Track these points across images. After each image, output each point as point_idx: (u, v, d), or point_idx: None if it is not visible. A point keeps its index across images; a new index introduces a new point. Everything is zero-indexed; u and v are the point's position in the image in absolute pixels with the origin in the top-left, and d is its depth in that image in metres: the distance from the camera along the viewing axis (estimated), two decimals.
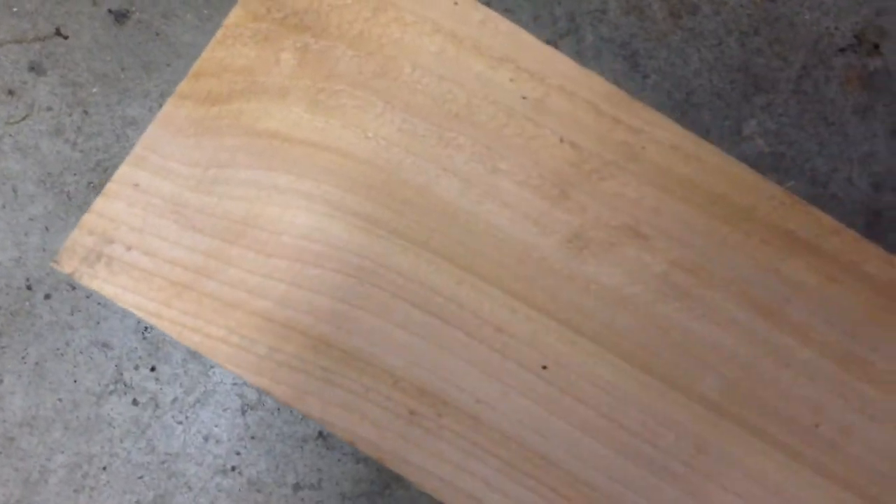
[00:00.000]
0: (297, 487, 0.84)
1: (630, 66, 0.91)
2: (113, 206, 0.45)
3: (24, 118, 1.01)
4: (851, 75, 0.83)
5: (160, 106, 0.96)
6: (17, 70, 1.03)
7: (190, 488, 0.88)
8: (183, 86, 0.46)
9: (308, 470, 0.84)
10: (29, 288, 0.95)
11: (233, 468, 0.86)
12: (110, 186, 0.45)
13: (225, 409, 0.89)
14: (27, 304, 0.94)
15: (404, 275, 0.44)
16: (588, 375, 0.44)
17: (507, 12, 0.94)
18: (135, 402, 0.89)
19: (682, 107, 0.88)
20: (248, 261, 0.44)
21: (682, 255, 0.44)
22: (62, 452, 0.86)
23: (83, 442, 0.86)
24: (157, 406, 0.88)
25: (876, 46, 0.85)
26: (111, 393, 0.89)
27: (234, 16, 0.46)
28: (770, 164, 0.82)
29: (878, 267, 0.44)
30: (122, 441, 0.87)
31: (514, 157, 0.45)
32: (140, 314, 0.44)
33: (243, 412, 0.88)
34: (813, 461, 0.43)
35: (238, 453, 0.86)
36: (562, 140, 0.45)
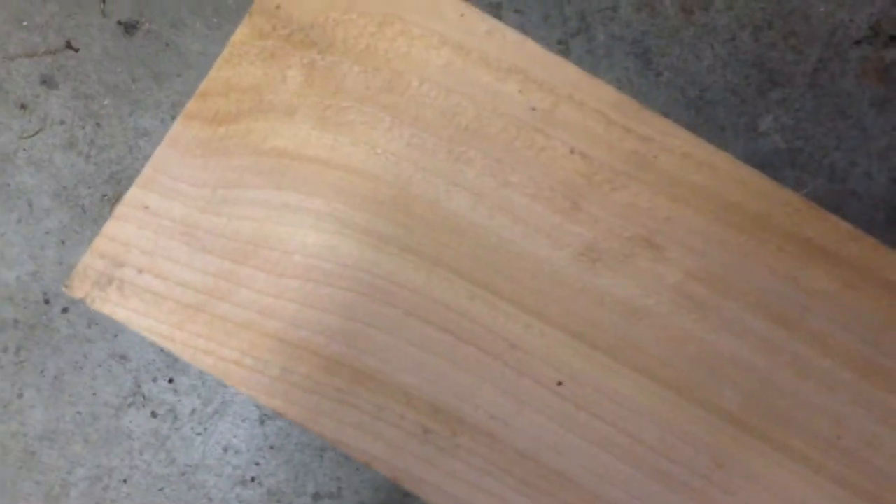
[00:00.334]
0: (316, 497, 0.84)
1: (643, 64, 0.90)
2: (123, 229, 0.45)
3: (37, 132, 1.02)
4: (868, 68, 0.81)
5: (172, 117, 0.96)
6: (29, 84, 1.04)
7: (210, 499, 0.88)
8: (190, 106, 0.46)
9: (327, 479, 0.84)
10: (46, 302, 0.95)
11: (252, 479, 0.86)
12: (120, 209, 0.45)
13: (243, 420, 0.89)
14: (45, 317, 0.95)
15: (416, 291, 0.44)
16: (604, 390, 0.43)
17: (518, 13, 0.93)
18: (154, 414, 0.89)
19: (697, 104, 0.87)
20: (259, 281, 0.44)
21: (696, 266, 0.44)
22: (83, 465, 0.87)
23: (103, 455, 0.87)
24: (175, 418, 0.89)
25: (892, 38, 0.84)
26: (130, 405, 0.89)
27: (240, 34, 0.46)
28: (787, 160, 0.81)
29: None
30: (141, 453, 0.88)
31: (524, 169, 0.45)
32: (153, 337, 0.44)
33: (262, 422, 0.88)
34: (836, 474, 0.42)
35: (257, 464, 0.86)
36: (572, 151, 0.44)
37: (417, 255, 0.44)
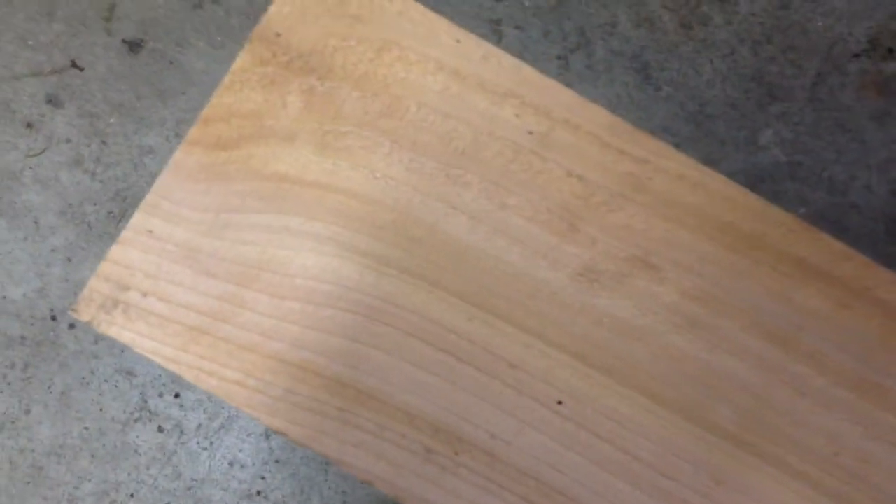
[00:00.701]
0: None
1: (642, 79, 0.90)
2: (128, 253, 0.46)
3: (43, 150, 1.03)
4: (867, 81, 0.82)
5: (176, 134, 0.97)
6: (35, 103, 1.05)
7: None
8: (193, 132, 0.46)
9: (332, 493, 0.84)
10: (53, 318, 0.96)
11: (258, 493, 0.87)
12: (125, 234, 0.46)
13: (249, 434, 0.90)
14: (52, 334, 0.96)
15: (416, 313, 0.45)
16: (603, 409, 0.44)
17: (518, 29, 0.94)
18: (160, 429, 0.90)
19: (696, 118, 0.88)
20: (261, 304, 0.45)
21: (692, 285, 0.44)
22: (90, 480, 0.88)
23: (110, 470, 0.88)
24: (181, 432, 0.89)
25: (890, 51, 0.84)
26: (136, 420, 0.90)
27: (241, 61, 0.47)
28: (787, 174, 0.82)
29: (891, 292, 0.43)
30: (148, 468, 0.89)
31: (521, 192, 0.45)
32: (157, 359, 0.45)
33: (267, 437, 0.89)
34: (834, 491, 0.43)
35: (263, 478, 0.87)
36: (569, 174, 0.45)
37: (417, 277, 0.45)
